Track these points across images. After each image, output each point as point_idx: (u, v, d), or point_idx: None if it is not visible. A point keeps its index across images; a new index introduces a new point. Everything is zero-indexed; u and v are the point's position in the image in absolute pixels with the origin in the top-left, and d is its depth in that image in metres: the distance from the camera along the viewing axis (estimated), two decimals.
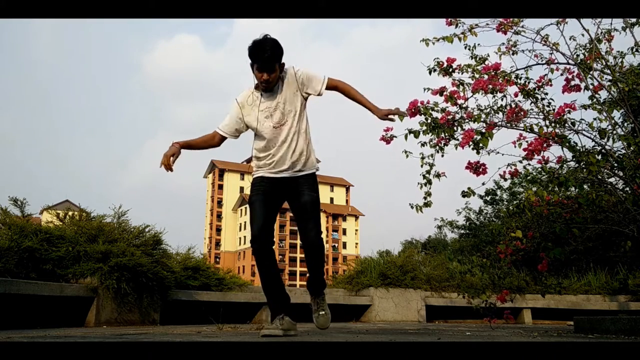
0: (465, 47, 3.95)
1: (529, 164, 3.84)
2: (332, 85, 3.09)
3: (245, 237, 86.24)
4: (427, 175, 4.03)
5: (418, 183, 4.06)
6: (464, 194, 3.86)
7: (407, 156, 3.90)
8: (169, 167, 2.98)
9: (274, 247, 3.12)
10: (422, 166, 4.01)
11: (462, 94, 3.80)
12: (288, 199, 3.15)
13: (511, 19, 3.78)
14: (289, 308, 3.04)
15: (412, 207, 4.03)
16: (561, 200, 3.93)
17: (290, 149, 3.03)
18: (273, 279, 3.08)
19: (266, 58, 2.83)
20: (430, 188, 4.05)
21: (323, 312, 3.24)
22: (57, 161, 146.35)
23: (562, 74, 4.01)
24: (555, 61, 3.93)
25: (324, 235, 3.27)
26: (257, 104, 3.01)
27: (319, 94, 3.06)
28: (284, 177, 3.06)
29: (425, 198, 4.07)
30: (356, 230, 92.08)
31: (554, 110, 3.81)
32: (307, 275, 3.33)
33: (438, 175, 4.03)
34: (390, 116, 3.07)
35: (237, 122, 3.08)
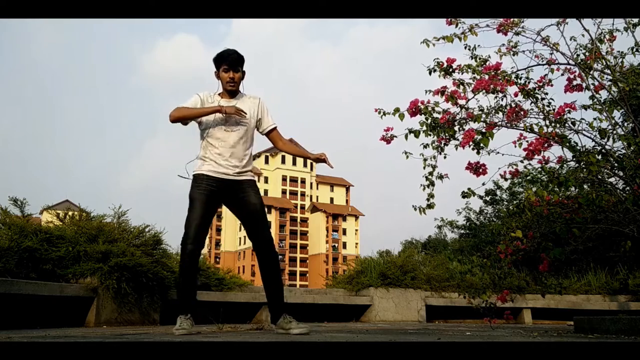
0: (466, 47, 3.94)
1: (530, 164, 3.84)
2: (271, 136, 3.44)
3: (244, 237, 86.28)
4: (429, 177, 4.03)
5: (421, 185, 4.05)
6: (464, 195, 3.86)
7: (408, 157, 3.90)
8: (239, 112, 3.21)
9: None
10: (424, 168, 4.01)
11: (462, 94, 3.80)
12: (229, 202, 3.29)
13: (511, 20, 3.78)
14: (195, 311, 3.21)
15: (415, 209, 4.03)
16: (561, 200, 3.93)
17: (235, 154, 3.24)
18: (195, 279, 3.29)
19: (234, 58, 3.22)
20: (433, 190, 4.04)
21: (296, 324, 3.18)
22: (57, 161, 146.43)
23: (562, 74, 4.01)
24: (556, 61, 3.93)
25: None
26: (210, 102, 3.28)
27: (260, 131, 3.41)
28: (226, 179, 3.21)
29: (428, 200, 4.06)
30: (356, 230, 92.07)
31: (554, 110, 3.80)
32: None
33: (441, 177, 4.03)
34: (322, 159, 3.42)
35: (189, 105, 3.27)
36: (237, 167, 3.23)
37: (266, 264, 3.23)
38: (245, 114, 3.22)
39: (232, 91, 3.29)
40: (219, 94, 3.33)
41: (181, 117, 3.20)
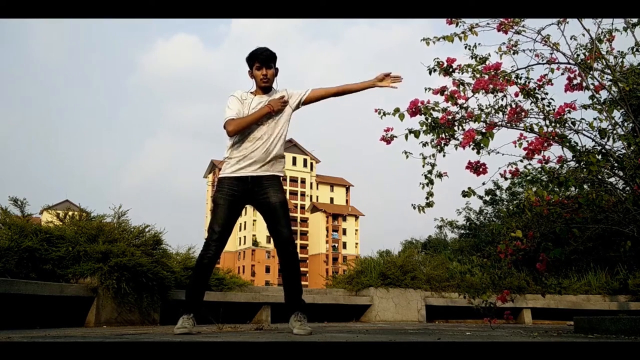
0: (466, 47, 3.94)
1: (530, 164, 3.83)
2: (314, 97, 3.44)
3: (245, 237, 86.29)
4: (428, 176, 4.03)
5: (420, 183, 4.05)
6: (465, 194, 3.85)
7: (407, 157, 3.90)
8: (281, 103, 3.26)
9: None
10: (423, 166, 4.01)
11: (462, 94, 3.80)
12: (253, 201, 3.29)
13: (512, 19, 3.78)
14: (200, 311, 3.23)
15: (414, 207, 4.03)
16: (561, 200, 3.93)
17: (264, 147, 3.23)
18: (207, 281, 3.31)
19: (266, 55, 3.26)
20: (432, 188, 4.04)
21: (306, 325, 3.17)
22: (57, 161, 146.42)
23: (562, 74, 4.01)
24: (556, 61, 3.93)
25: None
26: (248, 103, 3.28)
27: (300, 104, 3.41)
28: (248, 176, 3.21)
29: (427, 198, 4.06)
30: (356, 230, 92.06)
31: (554, 110, 3.80)
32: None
33: (440, 175, 4.03)
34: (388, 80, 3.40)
35: (240, 112, 3.26)
36: (261, 164, 3.23)
37: (286, 263, 3.26)
38: (286, 102, 3.29)
39: (266, 87, 3.31)
40: (252, 92, 3.34)
41: (240, 129, 3.20)
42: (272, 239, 3.30)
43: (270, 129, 3.26)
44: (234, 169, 3.22)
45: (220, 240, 3.19)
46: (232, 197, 3.20)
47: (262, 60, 3.24)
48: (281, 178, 3.34)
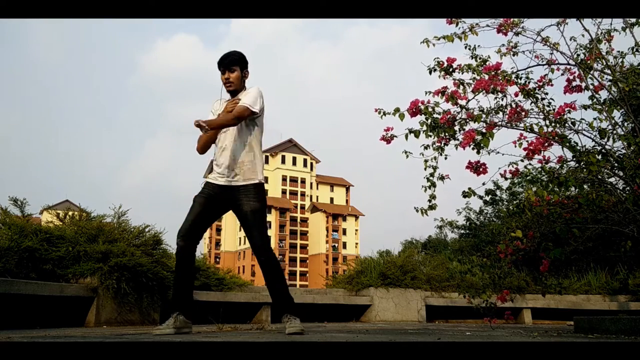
0: (466, 47, 3.94)
1: (530, 164, 3.84)
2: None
3: (244, 237, 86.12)
4: (431, 178, 4.02)
5: (422, 186, 4.05)
6: (465, 195, 3.86)
7: (408, 156, 3.90)
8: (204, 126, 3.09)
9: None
10: (425, 169, 4.01)
11: (462, 94, 3.80)
12: (231, 207, 3.32)
13: (512, 20, 3.78)
14: (188, 309, 3.16)
15: (417, 210, 4.03)
16: (561, 200, 3.93)
17: (231, 156, 3.24)
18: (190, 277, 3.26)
19: (226, 59, 3.28)
20: (434, 191, 4.04)
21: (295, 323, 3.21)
22: (57, 161, 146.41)
23: (562, 74, 4.01)
24: (556, 61, 3.93)
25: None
26: (216, 110, 3.39)
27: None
28: (222, 185, 3.25)
29: (429, 201, 4.06)
30: (356, 230, 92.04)
31: (554, 110, 3.81)
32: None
33: (442, 178, 4.02)
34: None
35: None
36: (227, 173, 3.25)
37: (261, 268, 3.29)
38: (205, 126, 3.01)
39: (232, 91, 3.33)
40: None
41: (202, 148, 3.31)
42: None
43: (233, 136, 3.26)
44: (210, 175, 3.32)
45: (187, 236, 3.18)
46: (208, 197, 3.25)
47: (224, 65, 3.28)
48: (257, 183, 3.26)
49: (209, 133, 3.20)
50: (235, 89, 3.31)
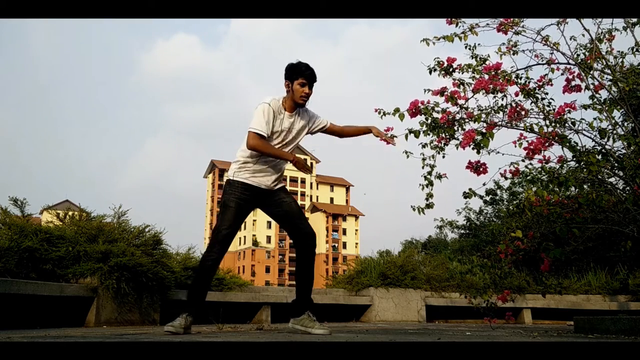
0: (466, 47, 3.94)
1: (530, 164, 3.84)
2: (329, 130, 3.53)
3: (245, 237, 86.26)
4: (428, 177, 4.02)
5: (420, 184, 4.05)
6: (466, 195, 3.86)
7: (408, 156, 3.90)
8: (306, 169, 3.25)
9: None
10: (423, 167, 4.01)
11: (462, 94, 3.80)
12: (263, 204, 3.38)
13: (512, 19, 3.78)
14: (200, 315, 3.26)
15: (414, 209, 4.02)
16: (561, 200, 3.93)
17: (281, 165, 3.34)
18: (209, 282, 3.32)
19: (313, 74, 3.25)
20: (431, 189, 4.04)
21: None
22: (57, 161, 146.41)
23: (562, 74, 4.01)
24: (556, 61, 3.93)
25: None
26: (280, 118, 3.26)
27: (316, 131, 3.49)
28: (263, 187, 3.29)
29: (427, 199, 4.06)
30: (356, 230, 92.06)
31: (554, 110, 3.80)
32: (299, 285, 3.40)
33: (440, 177, 4.02)
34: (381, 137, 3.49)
35: (270, 125, 3.25)
36: (273, 180, 3.33)
37: (308, 257, 3.29)
38: (310, 171, 3.24)
39: (300, 105, 3.29)
40: (283, 104, 3.27)
41: (260, 152, 3.21)
42: (292, 237, 3.34)
43: (289, 149, 3.34)
44: (248, 176, 3.26)
45: (224, 242, 3.21)
46: (242, 200, 3.24)
47: (308, 78, 3.21)
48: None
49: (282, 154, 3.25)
50: (305, 103, 3.32)
